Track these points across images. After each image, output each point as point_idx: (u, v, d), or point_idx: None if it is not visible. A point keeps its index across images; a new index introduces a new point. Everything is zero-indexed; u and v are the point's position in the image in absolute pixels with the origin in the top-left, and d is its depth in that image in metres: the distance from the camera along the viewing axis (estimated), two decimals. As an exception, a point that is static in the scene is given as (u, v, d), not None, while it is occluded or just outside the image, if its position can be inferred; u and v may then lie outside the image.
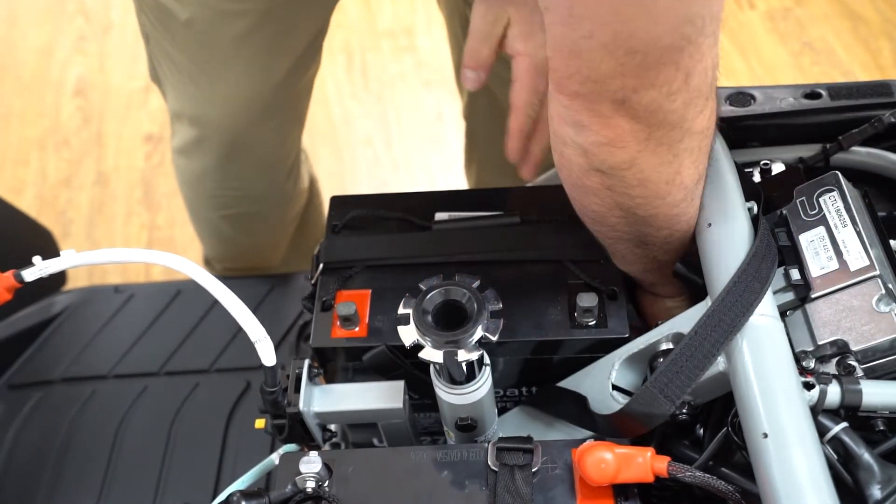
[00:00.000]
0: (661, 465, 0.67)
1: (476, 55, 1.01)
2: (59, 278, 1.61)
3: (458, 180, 1.09)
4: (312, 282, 0.91)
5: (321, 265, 0.91)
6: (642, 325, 0.90)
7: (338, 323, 0.86)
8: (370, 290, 0.89)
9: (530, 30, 0.96)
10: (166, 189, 2.24)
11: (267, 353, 0.76)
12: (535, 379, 0.89)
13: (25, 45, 2.64)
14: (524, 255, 0.89)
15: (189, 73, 1.25)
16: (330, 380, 0.90)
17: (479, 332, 0.68)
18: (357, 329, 0.86)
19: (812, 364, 0.71)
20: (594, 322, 0.84)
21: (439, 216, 0.95)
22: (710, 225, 0.76)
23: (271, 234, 1.59)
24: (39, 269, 0.75)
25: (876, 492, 0.65)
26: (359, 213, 0.95)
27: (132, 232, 2.18)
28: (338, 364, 0.88)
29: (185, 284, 1.45)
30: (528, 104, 0.99)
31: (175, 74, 1.27)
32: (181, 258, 0.75)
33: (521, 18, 0.96)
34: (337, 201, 0.98)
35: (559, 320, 0.85)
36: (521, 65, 0.97)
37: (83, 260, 0.76)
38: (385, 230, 0.94)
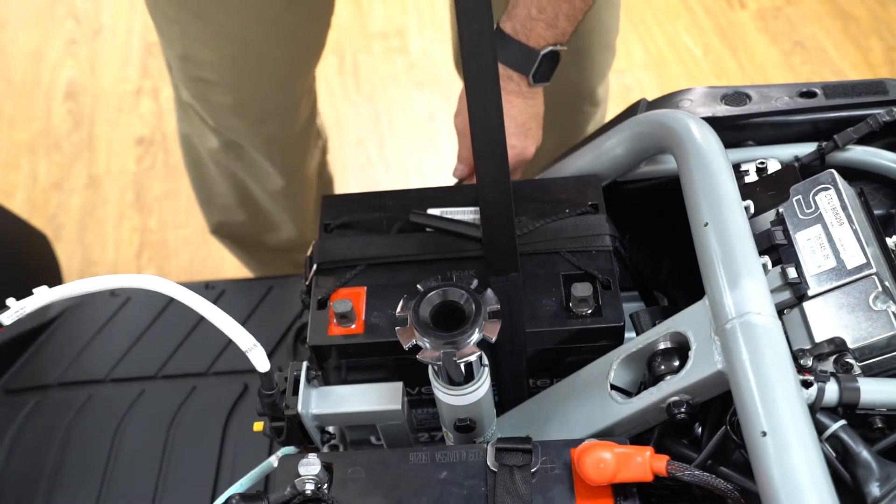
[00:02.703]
0: (660, 464, 0.67)
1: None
2: (53, 280, 1.60)
3: (449, 181, 1.09)
4: (307, 283, 0.91)
5: (315, 265, 0.91)
6: None
7: (334, 320, 0.86)
8: (365, 287, 0.89)
9: None
10: (158, 192, 2.24)
11: (260, 360, 0.75)
12: (535, 371, 0.89)
13: (16, 49, 2.63)
14: (519, 249, 0.89)
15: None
16: (327, 377, 0.90)
17: (477, 334, 0.68)
18: (354, 326, 0.86)
19: (810, 362, 0.71)
20: (590, 311, 0.84)
21: (432, 212, 0.95)
22: (706, 224, 0.76)
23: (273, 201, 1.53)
24: (16, 310, 0.74)
25: (874, 489, 0.65)
26: (351, 212, 0.95)
27: (123, 235, 2.17)
28: (335, 362, 0.88)
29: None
30: None
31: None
32: (160, 279, 0.74)
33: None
34: (329, 201, 0.98)
35: (555, 311, 0.85)
36: None
37: (58, 294, 0.75)
38: (378, 228, 0.94)
